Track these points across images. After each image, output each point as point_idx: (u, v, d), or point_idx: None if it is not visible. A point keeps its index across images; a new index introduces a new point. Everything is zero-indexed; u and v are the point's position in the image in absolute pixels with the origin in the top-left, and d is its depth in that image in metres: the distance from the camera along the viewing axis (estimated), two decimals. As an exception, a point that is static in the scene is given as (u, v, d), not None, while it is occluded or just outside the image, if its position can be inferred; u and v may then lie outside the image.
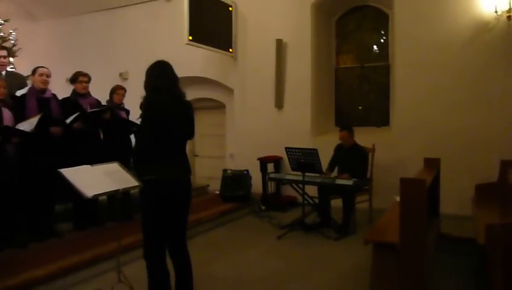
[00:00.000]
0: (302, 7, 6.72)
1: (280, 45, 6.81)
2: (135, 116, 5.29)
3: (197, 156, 8.02)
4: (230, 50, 7.12)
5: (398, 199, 2.68)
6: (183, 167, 2.75)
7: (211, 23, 6.63)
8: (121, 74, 8.11)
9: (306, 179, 5.02)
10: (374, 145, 5.65)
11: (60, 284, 3.40)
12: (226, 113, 7.74)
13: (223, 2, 6.91)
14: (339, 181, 4.93)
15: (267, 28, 6.94)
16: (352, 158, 5.30)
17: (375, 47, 6.97)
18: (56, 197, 4.47)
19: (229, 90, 7.47)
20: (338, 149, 5.56)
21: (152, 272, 2.63)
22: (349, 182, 4.82)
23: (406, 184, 2.58)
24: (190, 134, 2.83)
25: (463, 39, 5.69)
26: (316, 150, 4.92)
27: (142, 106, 5.37)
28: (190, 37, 6.17)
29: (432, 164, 4.24)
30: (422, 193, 2.57)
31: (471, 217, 4.30)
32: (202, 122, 8.03)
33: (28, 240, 4.05)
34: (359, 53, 7.05)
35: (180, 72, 2.93)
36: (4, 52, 4.93)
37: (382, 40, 6.87)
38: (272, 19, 6.93)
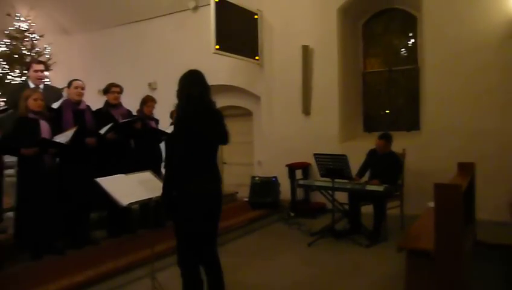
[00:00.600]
0: (327, 12, 6.71)
1: (306, 51, 6.82)
2: (164, 125, 5.43)
3: (225, 163, 8.09)
4: (257, 57, 7.18)
5: (431, 205, 2.62)
6: (215, 177, 2.78)
7: (237, 31, 6.71)
8: (149, 84, 8.30)
9: (335, 185, 4.99)
10: (404, 150, 5.56)
11: (97, 290, 3.50)
12: (253, 121, 7.78)
13: (248, 10, 6.99)
14: (370, 187, 4.87)
15: (293, 35, 6.96)
16: (385, 164, 5.21)
17: (403, 50, 6.87)
18: (91, 206, 4.60)
19: (256, 98, 7.51)
20: (371, 154, 5.49)
21: (186, 280, 2.68)
22: (380, 188, 4.75)
23: (441, 190, 2.52)
24: (224, 140, 2.86)
25: (497, 39, 5.53)
26: (345, 155, 4.88)
27: (173, 115, 5.51)
28: (217, 46, 6.27)
29: (467, 169, 4.12)
30: (458, 199, 2.51)
31: (508, 222, 4.16)
32: (230, 130, 8.07)
33: (66, 247, 4.19)
34: (387, 57, 6.96)
35: (208, 80, 2.96)
36: (41, 67, 5.09)
37: (410, 43, 6.77)
38: (297, 25, 6.95)
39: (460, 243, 2.54)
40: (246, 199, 6.72)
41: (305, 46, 6.81)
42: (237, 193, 7.44)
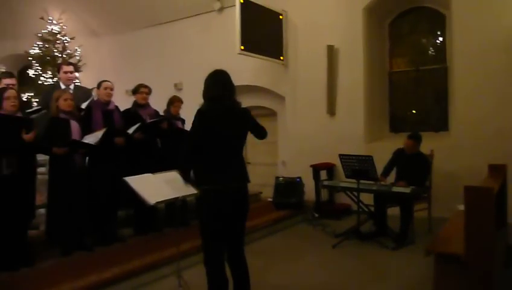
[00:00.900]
0: (353, 12, 6.63)
1: (331, 51, 6.76)
2: (189, 126, 5.49)
3: (249, 163, 8.10)
4: (281, 58, 7.17)
5: (461, 207, 2.55)
6: (240, 176, 2.79)
7: (262, 32, 6.73)
8: (175, 85, 8.42)
9: (361, 186, 4.92)
10: (432, 151, 5.43)
11: (124, 287, 3.58)
12: (277, 121, 7.78)
13: (273, 11, 6.99)
14: (396, 189, 4.78)
15: (318, 34, 6.92)
16: (413, 165, 5.11)
17: (431, 49, 6.72)
18: (119, 204, 4.70)
19: (280, 98, 7.51)
20: (398, 154, 5.38)
21: (211, 279, 2.69)
22: (407, 190, 4.67)
23: (472, 193, 2.45)
24: (262, 135, 2.95)
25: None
26: (371, 157, 4.82)
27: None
28: (242, 47, 6.29)
29: (498, 170, 4.00)
30: (489, 202, 2.44)
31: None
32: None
33: (94, 244, 4.30)
34: (414, 56, 6.83)
35: (233, 80, 2.96)
36: (71, 68, 5.22)
37: (438, 42, 6.61)
38: (322, 25, 6.90)
39: (491, 248, 2.47)
40: (270, 199, 6.72)
41: (330, 46, 6.76)
42: (261, 193, 7.44)
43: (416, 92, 6.83)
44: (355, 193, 5.05)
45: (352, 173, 4.99)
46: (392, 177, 5.34)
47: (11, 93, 3.78)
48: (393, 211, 5.12)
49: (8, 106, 3.71)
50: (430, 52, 6.73)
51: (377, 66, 6.89)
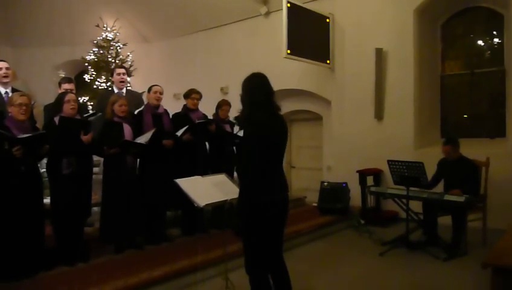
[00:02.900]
0: (403, 13, 6.45)
1: (380, 54, 6.61)
2: (237, 128, 5.57)
3: (293, 167, 8.09)
4: (328, 61, 7.11)
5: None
6: (283, 185, 2.74)
7: (308, 35, 6.69)
8: (222, 89, 8.56)
9: (410, 193, 4.77)
10: (488, 158, 5.16)
11: (173, 286, 3.68)
12: (323, 125, 7.70)
13: (320, 14, 6.95)
14: (448, 197, 4.58)
15: (366, 37, 6.79)
16: (460, 172, 4.88)
17: (487, 51, 6.41)
18: (168, 204, 4.85)
19: (326, 102, 7.43)
20: (442, 164, 5.17)
21: (255, 286, 2.68)
22: (461, 199, 4.46)
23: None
24: (284, 150, 2.79)
25: None
26: (421, 163, 4.66)
27: (238, 119, 5.63)
28: (288, 51, 6.29)
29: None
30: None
31: None
32: (299, 134, 8.11)
33: (145, 243, 4.46)
34: (468, 58, 6.53)
35: (278, 85, 2.89)
36: (123, 70, 5.44)
37: (495, 43, 6.29)
38: (371, 28, 6.77)
39: (557, 263, 2.32)
40: (315, 204, 6.66)
41: (378, 49, 6.61)
42: (305, 197, 7.40)
43: (470, 96, 6.52)
44: (404, 200, 4.90)
45: (401, 180, 4.85)
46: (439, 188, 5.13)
47: (70, 97, 4.02)
48: (443, 220, 4.91)
49: (68, 109, 3.94)
50: (486, 54, 6.42)
51: (428, 69, 6.65)
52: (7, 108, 3.62)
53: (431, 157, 5.35)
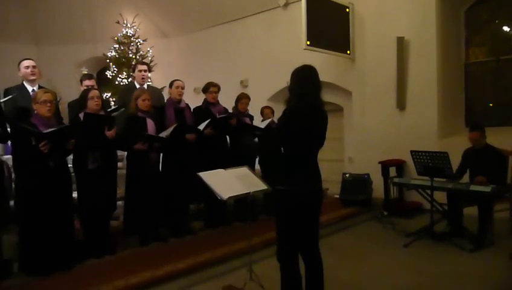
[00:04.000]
0: (425, 0, 6.30)
1: (401, 43, 6.49)
2: (257, 121, 5.58)
3: (314, 159, 8.03)
4: (348, 52, 7.02)
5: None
6: (316, 176, 2.78)
7: (328, 26, 6.62)
8: (241, 82, 8.57)
9: (435, 184, 4.69)
10: (515, 147, 5.03)
11: (197, 278, 3.73)
12: (343, 116, 7.63)
13: (339, 4, 6.85)
14: (474, 187, 4.49)
15: (387, 26, 6.67)
16: (486, 161, 4.76)
17: (514, 37, 6.22)
18: (190, 198, 4.90)
19: (347, 93, 7.36)
20: (467, 154, 5.06)
21: (285, 274, 2.72)
22: (487, 189, 4.36)
23: None
24: (322, 143, 2.84)
25: None
26: (446, 153, 4.58)
27: (263, 111, 5.60)
28: (308, 42, 6.24)
29: None
30: None
31: None
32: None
33: (169, 236, 4.53)
34: (494, 45, 6.35)
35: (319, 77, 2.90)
36: (145, 67, 5.49)
37: (523, 29, 6.10)
38: (391, 17, 6.64)
39: None
40: (337, 196, 6.62)
41: (400, 37, 6.49)
42: (327, 189, 7.36)
43: (496, 84, 6.35)
44: (428, 191, 4.83)
45: (425, 170, 4.77)
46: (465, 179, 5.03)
47: (94, 93, 4.09)
48: (469, 211, 4.82)
49: (93, 105, 4.02)
50: (512, 40, 6.23)
51: (452, 57, 6.50)
52: (32, 105, 3.71)
53: (456, 147, 5.24)
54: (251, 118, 5.48)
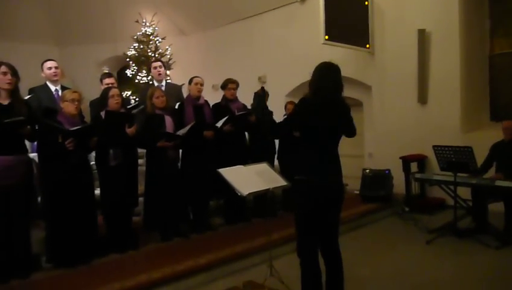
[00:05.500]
0: (447, -9, 6.15)
1: (423, 35, 6.35)
2: (277, 117, 5.55)
3: (333, 154, 7.96)
4: (367, 46, 6.91)
5: None
6: (336, 170, 2.77)
7: (347, 20, 6.53)
8: (259, 78, 8.54)
9: (458, 179, 4.59)
10: (543, 141, 4.87)
11: (218, 273, 3.76)
12: (363, 111, 7.54)
13: (358, -3, 6.76)
14: (500, 183, 4.37)
15: (407, 19, 6.54)
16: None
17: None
18: (210, 194, 4.93)
19: (367, 87, 7.26)
20: (495, 148, 4.94)
21: (305, 269, 2.72)
22: (513, 184, 4.25)
23: None
24: (351, 133, 2.89)
25: None
26: (470, 147, 4.47)
27: (286, 106, 5.53)
28: (326, 37, 6.17)
29: None
30: None
31: None
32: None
33: (189, 232, 4.57)
34: (520, 36, 6.16)
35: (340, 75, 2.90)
36: (159, 64, 5.53)
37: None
38: (412, 8, 6.51)
39: None
40: (356, 192, 6.56)
41: (421, 30, 6.35)
42: (347, 185, 7.28)
43: (522, 76, 6.16)
44: (452, 187, 4.73)
45: (449, 166, 4.67)
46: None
47: (114, 91, 4.16)
48: (494, 207, 4.70)
49: (113, 103, 4.08)
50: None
51: (476, 49, 6.33)
52: (60, 104, 3.81)
53: (480, 142, 5.12)
54: (270, 114, 5.44)
